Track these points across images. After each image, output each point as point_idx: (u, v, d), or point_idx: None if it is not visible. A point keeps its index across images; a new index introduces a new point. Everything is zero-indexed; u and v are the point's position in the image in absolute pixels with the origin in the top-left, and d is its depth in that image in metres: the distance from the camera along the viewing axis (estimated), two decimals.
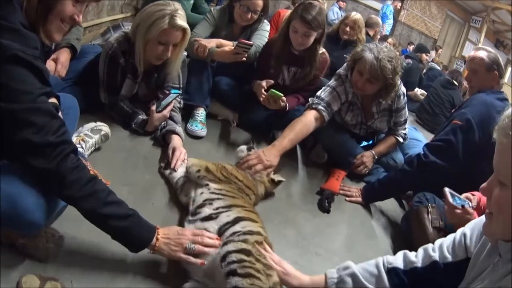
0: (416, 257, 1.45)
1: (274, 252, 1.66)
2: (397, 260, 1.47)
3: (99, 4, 4.44)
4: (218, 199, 1.85)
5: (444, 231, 2.24)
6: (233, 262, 1.46)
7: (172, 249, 1.57)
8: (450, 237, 1.44)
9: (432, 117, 6.10)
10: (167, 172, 2.22)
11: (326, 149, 3.03)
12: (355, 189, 2.79)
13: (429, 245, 1.46)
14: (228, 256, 1.48)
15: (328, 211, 2.51)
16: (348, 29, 4.44)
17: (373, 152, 2.98)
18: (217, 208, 1.79)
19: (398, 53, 2.76)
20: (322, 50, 3.02)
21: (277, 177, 2.36)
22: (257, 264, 1.49)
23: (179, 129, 2.52)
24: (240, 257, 1.48)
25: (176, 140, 2.43)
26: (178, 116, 2.65)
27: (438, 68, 9.18)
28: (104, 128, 2.25)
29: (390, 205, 2.87)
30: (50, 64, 2.43)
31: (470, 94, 2.84)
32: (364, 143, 3.24)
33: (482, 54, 2.74)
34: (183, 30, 2.36)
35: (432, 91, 6.36)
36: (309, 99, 2.80)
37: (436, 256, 1.40)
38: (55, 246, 1.50)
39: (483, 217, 1.21)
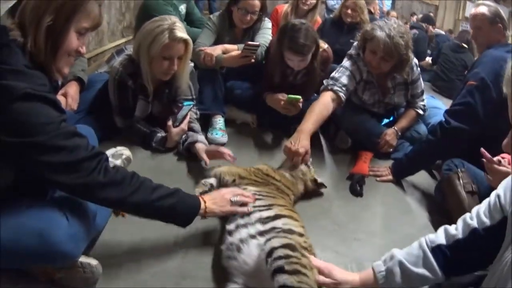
0: (456, 229, 1.42)
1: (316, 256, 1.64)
2: (439, 237, 1.44)
3: (99, 32, 4.50)
4: (258, 199, 1.86)
5: (477, 194, 2.22)
6: (279, 258, 1.45)
7: (221, 206, 1.74)
8: (485, 202, 1.40)
9: (447, 83, 6.04)
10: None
11: (349, 133, 3.00)
12: (384, 168, 2.76)
13: (467, 214, 1.43)
14: (274, 252, 1.48)
15: (361, 195, 2.49)
16: (350, 11, 4.28)
17: (395, 128, 2.93)
18: (258, 206, 1.80)
19: (408, 25, 2.71)
20: (324, 46, 3.00)
21: (320, 179, 2.36)
22: (303, 259, 1.48)
23: (201, 137, 2.53)
24: (286, 252, 1.47)
25: (203, 147, 2.44)
26: (197, 126, 2.65)
27: (443, 33, 9.07)
28: (125, 151, 2.27)
29: (422, 178, 2.83)
30: (60, 99, 2.41)
31: (479, 52, 2.80)
32: (386, 121, 3.21)
33: (483, 9, 2.70)
34: (185, 41, 2.37)
35: (443, 57, 6.30)
36: (324, 81, 2.78)
37: (474, 223, 1.37)
38: (92, 275, 1.52)
39: None
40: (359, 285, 1.51)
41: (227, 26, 3.18)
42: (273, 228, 1.65)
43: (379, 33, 2.56)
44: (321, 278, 1.50)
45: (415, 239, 1.49)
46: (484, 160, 1.93)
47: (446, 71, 6.12)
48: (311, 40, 2.69)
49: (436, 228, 1.53)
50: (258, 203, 1.82)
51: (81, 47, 1.46)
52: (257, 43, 2.90)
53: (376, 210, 2.41)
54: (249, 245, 1.63)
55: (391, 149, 2.93)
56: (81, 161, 1.32)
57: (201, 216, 1.68)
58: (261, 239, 1.61)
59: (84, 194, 1.40)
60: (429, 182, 2.84)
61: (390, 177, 2.70)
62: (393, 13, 7.97)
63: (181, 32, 2.33)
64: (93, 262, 1.54)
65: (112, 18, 4.87)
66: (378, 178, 2.70)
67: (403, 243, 1.54)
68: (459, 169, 2.35)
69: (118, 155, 2.23)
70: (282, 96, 2.81)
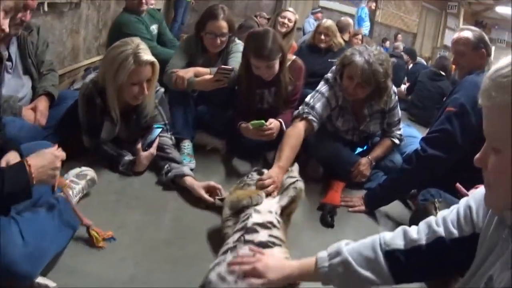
0: (418, 234, 1.32)
1: None
2: (396, 239, 1.34)
3: (74, 48, 4.44)
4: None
5: None
6: None
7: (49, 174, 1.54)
8: (453, 210, 1.32)
9: (423, 112, 6.01)
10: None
11: (321, 161, 2.95)
12: (357, 198, 2.70)
13: (432, 219, 1.34)
14: None
15: (332, 226, 2.42)
16: (322, 37, 4.43)
17: (369, 157, 2.89)
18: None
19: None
20: (292, 57, 2.98)
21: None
22: None
23: (187, 169, 2.47)
24: None
25: (192, 181, 2.39)
26: (176, 154, 2.59)
27: (423, 61, 9.19)
28: (90, 172, 2.19)
29: (396, 208, 2.77)
30: (29, 114, 2.42)
31: (459, 78, 2.75)
32: (359, 150, 3.16)
33: (467, 34, 2.64)
34: (151, 63, 2.32)
35: (420, 85, 6.29)
36: (299, 107, 2.72)
37: (441, 231, 1.28)
38: None
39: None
40: (297, 276, 1.44)
41: (200, 49, 3.12)
42: None
43: (358, 59, 2.52)
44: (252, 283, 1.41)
45: None
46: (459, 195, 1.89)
47: (422, 99, 6.11)
48: (276, 45, 2.66)
49: None
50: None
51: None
52: (231, 67, 2.84)
53: None
54: None
55: (364, 179, 2.88)
56: None
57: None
58: None
59: None
60: (403, 212, 2.80)
61: (363, 207, 2.64)
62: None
63: (146, 54, 2.28)
64: (51, 284, 1.48)
65: (89, 34, 4.83)
66: (350, 209, 2.64)
67: None
68: (436, 199, 2.26)
69: (82, 175, 2.16)
70: (247, 125, 2.75)
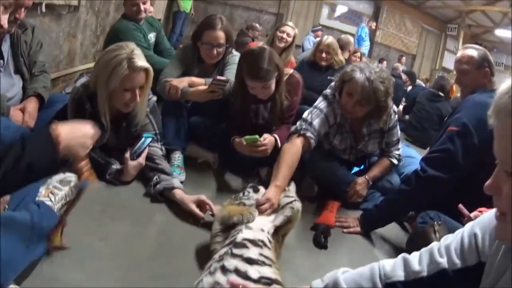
0: (420, 265, 1.25)
1: None
2: (397, 271, 1.27)
3: (71, 53, 4.41)
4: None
5: None
6: None
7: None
8: (457, 236, 1.25)
9: (421, 133, 5.99)
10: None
11: (316, 180, 2.87)
12: (352, 218, 2.61)
13: (435, 247, 1.27)
14: None
15: (325, 247, 2.31)
16: (324, 55, 4.44)
17: (366, 177, 2.81)
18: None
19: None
20: (290, 71, 2.91)
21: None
22: None
23: (176, 182, 2.38)
24: None
25: (182, 195, 2.30)
26: (166, 166, 2.49)
27: (421, 83, 9.20)
28: (74, 178, 2.07)
29: (392, 231, 2.69)
30: (17, 114, 2.36)
31: (462, 97, 2.70)
32: (356, 169, 3.09)
33: (471, 52, 2.59)
34: (145, 70, 2.24)
35: (418, 105, 6.28)
36: (297, 123, 2.64)
37: (444, 262, 1.21)
38: None
39: (492, 213, 1.04)
40: None
41: (196, 59, 3.05)
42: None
43: (358, 75, 2.45)
44: None
45: None
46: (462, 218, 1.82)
47: (420, 120, 6.08)
48: (272, 65, 2.57)
49: None
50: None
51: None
52: (226, 78, 2.76)
53: (341, 264, 2.18)
54: None
55: (361, 199, 2.80)
56: None
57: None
58: None
59: None
60: (400, 235, 2.71)
61: (358, 229, 2.54)
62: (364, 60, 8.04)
63: (141, 60, 2.21)
64: None
65: (86, 39, 4.81)
66: (345, 230, 2.54)
67: None
68: (435, 222, 2.20)
69: (66, 181, 2.03)
70: (241, 140, 2.67)
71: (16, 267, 1.39)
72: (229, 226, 1.84)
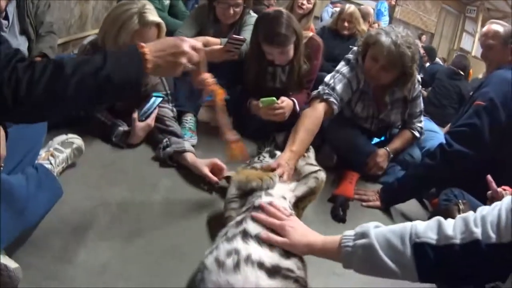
0: (454, 231, 1.15)
1: None
2: (429, 232, 1.17)
3: (82, 16, 4.30)
4: None
5: None
6: None
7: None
8: (494, 209, 1.14)
9: (440, 110, 5.82)
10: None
11: (335, 149, 2.73)
12: (372, 192, 2.48)
13: (470, 216, 1.16)
14: None
15: (343, 220, 2.19)
16: (346, 24, 4.36)
17: (387, 149, 2.67)
18: None
19: None
20: (309, 34, 2.78)
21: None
22: None
23: (188, 145, 2.24)
24: None
25: (194, 158, 2.17)
26: (177, 128, 2.38)
27: (440, 62, 9.03)
28: (77, 140, 1.99)
29: (413, 207, 2.56)
30: None
31: (488, 72, 2.62)
32: (376, 140, 2.95)
33: (497, 27, 2.54)
34: (157, 25, 2.12)
35: (437, 82, 6.13)
36: (319, 87, 2.48)
37: (478, 233, 1.10)
38: (10, 280, 1.28)
39: None
40: (319, 249, 1.36)
41: (212, 18, 2.93)
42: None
43: (384, 39, 2.30)
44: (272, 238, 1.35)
45: None
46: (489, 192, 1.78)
47: (439, 96, 5.95)
48: (290, 30, 2.44)
49: None
50: None
51: None
52: (243, 37, 2.63)
53: None
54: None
55: (381, 172, 2.67)
56: None
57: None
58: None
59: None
60: (420, 212, 2.57)
61: (378, 203, 2.41)
62: None
63: (152, 15, 2.09)
64: (12, 265, 1.28)
65: (99, 3, 4.74)
66: (364, 203, 2.42)
67: (387, 279, 1.25)
68: (460, 200, 2.06)
69: (68, 143, 1.96)
70: (257, 102, 2.54)
71: (6, 236, 1.31)
72: (246, 192, 1.69)
